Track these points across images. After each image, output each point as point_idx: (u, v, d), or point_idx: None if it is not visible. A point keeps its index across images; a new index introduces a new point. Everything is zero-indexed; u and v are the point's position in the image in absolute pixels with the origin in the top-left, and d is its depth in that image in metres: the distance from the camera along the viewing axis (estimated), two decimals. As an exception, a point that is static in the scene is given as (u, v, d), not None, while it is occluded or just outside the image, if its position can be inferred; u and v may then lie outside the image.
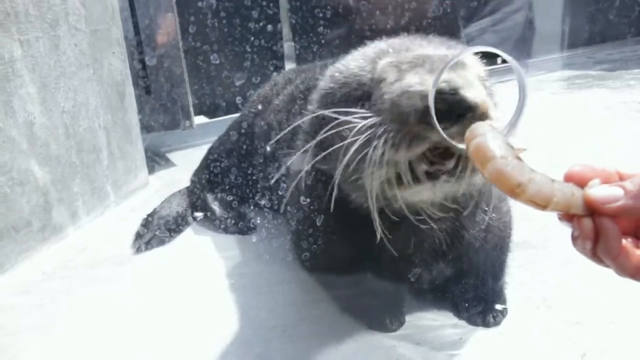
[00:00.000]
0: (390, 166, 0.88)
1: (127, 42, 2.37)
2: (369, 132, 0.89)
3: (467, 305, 1.27)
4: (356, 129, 0.91)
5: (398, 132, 0.85)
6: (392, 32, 1.15)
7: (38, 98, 1.72)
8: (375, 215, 0.94)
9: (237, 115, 2.18)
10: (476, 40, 4.18)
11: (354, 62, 1.07)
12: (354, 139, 0.91)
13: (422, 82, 0.86)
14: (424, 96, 0.82)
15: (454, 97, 0.79)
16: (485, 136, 0.66)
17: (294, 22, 3.98)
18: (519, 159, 0.64)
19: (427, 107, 0.78)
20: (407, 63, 0.93)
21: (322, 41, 3.88)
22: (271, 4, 3.62)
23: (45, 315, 1.46)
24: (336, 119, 0.96)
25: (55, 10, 1.78)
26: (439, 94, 0.78)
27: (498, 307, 1.26)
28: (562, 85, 3.73)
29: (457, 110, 0.80)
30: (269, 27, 3.62)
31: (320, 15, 3.83)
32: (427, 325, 1.26)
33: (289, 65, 3.87)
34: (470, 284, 1.30)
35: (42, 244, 1.78)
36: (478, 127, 0.69)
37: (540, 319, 1.24)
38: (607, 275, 1.31)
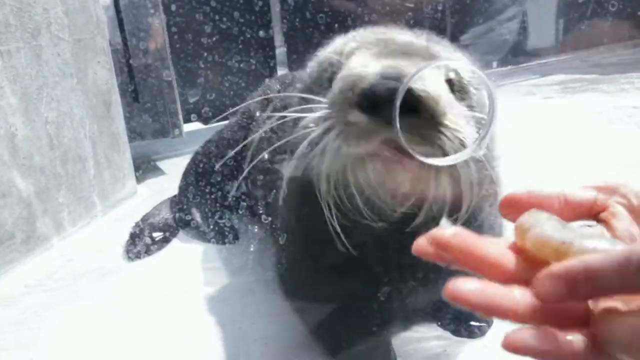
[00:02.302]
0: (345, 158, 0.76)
1: (113, 50, 2.35)
2: (323, 125, 0.77)
3: (451, 316, 1.25)
4: (308, 121, 0.81)
5: (345, 125, 0.74)
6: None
7: (20, 109, 1.70)
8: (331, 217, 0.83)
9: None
10: (470, 48, 4.19)
11: (331, 47, 0.97)
12: (307, 131, 0.81)
13: (364, 64, 0.76)
14: (362, 80, 0.72)
15: (393, 84, 0.68)
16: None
17: (286, 27, 3.98)
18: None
19: (364, 94, 0.70)
20: (364, 45, 0.85)
21: (316, 46, 3.87)
22: (263, 10, 3.61)
23: (26, 331, 1.43)
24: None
25: (37, 19, 1.77)
26: (382, 79, 0.70)
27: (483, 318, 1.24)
28: (556, 89, 3.72)
29: (395, 99, 0.68)
30: (261, 33, 3.61)
31: (313, 20, 3.82)
32: (410, 337, 1.23)
33: (282, 71, 3.86)
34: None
35: (26, 255, 1.76)
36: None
37: (526, 330, 1.21)
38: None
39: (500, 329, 1.20)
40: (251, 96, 2.11)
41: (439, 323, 1.26)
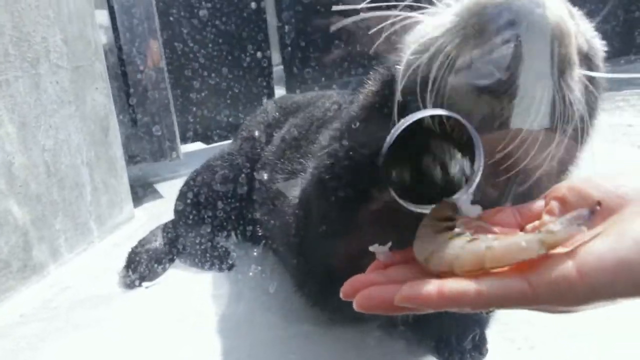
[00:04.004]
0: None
1: (111, 74, 2.37)
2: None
3: (446, 345, 1.25)
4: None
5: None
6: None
7: (17, 138, 1.71)
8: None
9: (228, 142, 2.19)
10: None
11: None
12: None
13: None
14: None
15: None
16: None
17: (284, 47, 4.00)
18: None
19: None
20: None
21: (316, 66, 3.90)
22: (260, 29, 3.64)
23: (20, 363, 1.42)
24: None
25: (36, 48, 1.78)
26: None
27: (477, 346, 1.24)
28: (551, 107, 3.73)
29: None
30: (258, 54, 3.64)
31: (313, 40, 3.84)
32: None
33: (279, 91, 3.89)
34: (451, 322, 1.27)
35: (22, 284, 1.76)
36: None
37: (523, 361, 1.21)
38: (592, 314, 1.30)
39: (494, 358, 1.20)
40: (249, 118, 2.13)
41: (435, 350, 1.26)
